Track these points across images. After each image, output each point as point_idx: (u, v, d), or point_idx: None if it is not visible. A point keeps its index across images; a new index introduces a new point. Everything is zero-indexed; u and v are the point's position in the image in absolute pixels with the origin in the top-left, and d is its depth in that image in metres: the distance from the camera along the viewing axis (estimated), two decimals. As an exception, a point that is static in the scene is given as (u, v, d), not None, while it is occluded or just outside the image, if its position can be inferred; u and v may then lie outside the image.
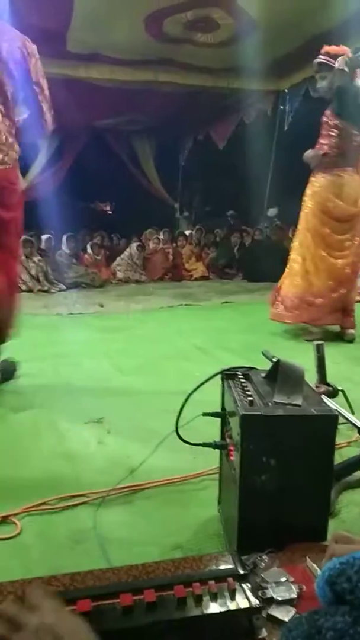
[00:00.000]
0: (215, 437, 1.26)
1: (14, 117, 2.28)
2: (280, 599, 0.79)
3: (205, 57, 6.30)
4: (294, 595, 0.79)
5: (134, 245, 8.01)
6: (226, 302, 5.60)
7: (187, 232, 9.22)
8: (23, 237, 7.61)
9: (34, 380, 2.64)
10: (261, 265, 7.41)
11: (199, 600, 0.78)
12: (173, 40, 5.90)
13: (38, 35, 5.63)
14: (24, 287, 6.91)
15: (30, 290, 6.87)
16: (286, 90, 7.35)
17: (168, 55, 6.24)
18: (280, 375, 1.04)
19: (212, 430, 1.30)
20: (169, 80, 6.77)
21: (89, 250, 7.85)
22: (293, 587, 0.80)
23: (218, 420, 1.27)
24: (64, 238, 7.77)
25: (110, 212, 13.34)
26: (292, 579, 0.83)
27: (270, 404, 0.99)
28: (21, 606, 0.62)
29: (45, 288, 6.93)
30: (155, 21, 5.46)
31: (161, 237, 8.42)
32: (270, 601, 0.79)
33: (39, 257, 7.20)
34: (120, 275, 7.70)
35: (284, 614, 0.76)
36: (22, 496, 1.48)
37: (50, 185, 9.58)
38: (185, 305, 5.36)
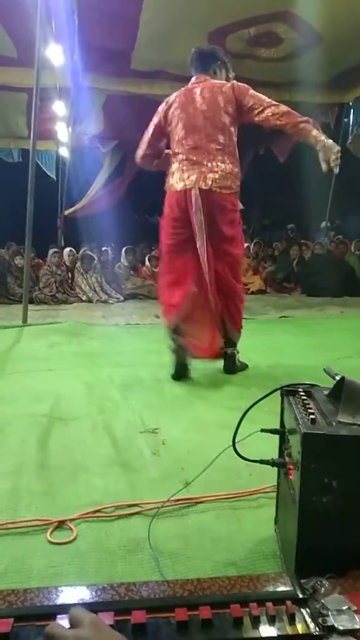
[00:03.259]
0: (273, 454, 1.23)
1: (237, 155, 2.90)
2: (342, 628, 0.75)
3: (268, 71, 6.30)
4: (357, 626, 0.75)
5: (191, 258, 8.06)
6: (284, 317, 5.51)
7: (245, 245, 9.18)
8: (83, 250, 7.91)
9: (93, 389, 2.70)
10: (321, 279, 7.27)
11: (256, 621, 0.76)
12: (235, 56, 5.94)
13: (103, 56, 5.91)
14: (84, 298, 7.13)
15: (89, 301, 7.07)
16: (350, 103, 7.23)
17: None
18: (345, 393, 1.01)
19: (269, 447, 1.27)
20: (230, 95, 6.83)
21: (147, 263, 7.98)
22: (356, 617, 0.76)
23: (276, 437, 1.24)
24: (123, 251, 7.95)
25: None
26: (354, 608, 0.79)
27: (333, 423, 0.96)
28: (65, 625, 0.64)
29: (104, 299, 7.10)
30: (217, 38, 5.53)
31: (218, 250, 8.43)
32: (331, 630, 0.75)
33: (97, 269, 7.43)
34: (176, 287, 7.76)
35: (347, 645, 0.72)
36: (78, 502, 1.51)
37: (111, 199, 9.87)
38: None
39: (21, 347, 3.95)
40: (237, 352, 3.04)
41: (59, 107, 6.85)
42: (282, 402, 1.19)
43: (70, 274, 7.47)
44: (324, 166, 2.63)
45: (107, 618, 0.76)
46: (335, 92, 7.05)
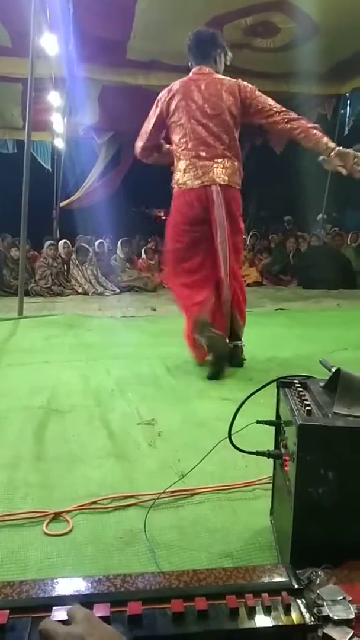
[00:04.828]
0: (269, 446, 1.24)
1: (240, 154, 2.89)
2: (337, 618, 0.75)
3: (264, 62, 6.25)
4: (352, 616, 0.75)
5: (188, 250, 8.05)
6: (280, 309, 5.51)
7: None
8: (78, 243, 7.87)
9: (89, 381, 2.69)
10: (317, 272, 7.26)
11: (251, 612, 0.77)
12: (232, 45, 5.86)
13: (99, 46, 5.85)
14: (79, 290, 7.11)
15: (85, 293, 7.05)
16: (347, 94, 7.19)
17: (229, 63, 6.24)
18: (341, 385, 1.01)
19: (265, 438, 1.27)
20: (227, 86, 6.77)
21: (143, 255, 7.96)
22: (351, 607, 0.77)
23: (272, 428, 1.24)
24: (119, 242, 7.92)
25: (164, 218, 13.49)
26: (349, 598, 0.79)
27: (329, 414, 0.96)
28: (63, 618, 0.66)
29: (100, 291, 7.08)
30: (214, 27, 5.46)
31: (215, 242, 8.40)
32: (326, 620, 0.76)
33: (92, 261, 7.41)
34: (173, 279, 7.75)
35: (341, 635, 0.72)
36: (74, 493, 1.51)
37: (107, 191, 9.80)
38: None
39: (17, 340, 3.94)
40: (244, 344, 3.03)
41: (54, 98, 6.79)
42: (278, 394, 1.19)
43: (65, 266, 7.44)
44: (343, 171, 2.62)
45: (103, 609, 0.76)
46: (332, 83, 7.01)
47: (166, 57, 5.98)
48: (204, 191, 2.76)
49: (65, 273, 7.40)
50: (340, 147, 2.63)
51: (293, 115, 2.74)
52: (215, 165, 2.76)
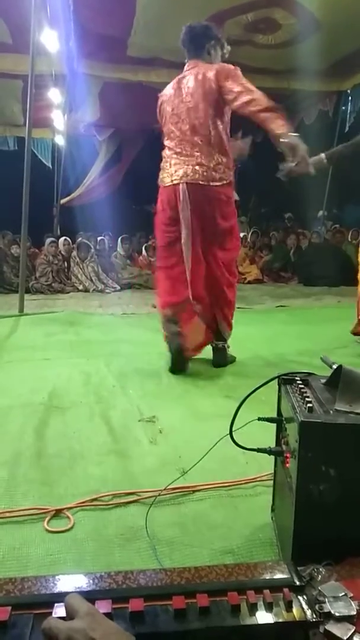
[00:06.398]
0: (270, 443, 1.24)
1: (228, 143, 2.77)
2: (338, 614, 0.75)
3: (265, 58, 6.23)
4: (354, 612, 0.76)
5: (188, 247, 8.04)
6: (281, 306, 5.51)
7: (241, 235, 9.14)
8: (79, 240, 7.85)
9: (90, 377, 2.69)
10: (318, 269, 7.25)
11: (253, 608, 0.77)
12: (232, 42, 5.84)
13: (99, 42, 5.82)
14: (80, 287, 7.11)
15: (86, 290, 7.05)
16: (349, 91, 7.17)
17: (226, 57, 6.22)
18: (342, 382, 1.00)
19: (266, 435, 1.27)
20: (228, 83, 6.75)
21: (144, 252, 7.95)
22: (353, 603, 0.77)
23: (273, 425, 1.24)
24: (119, 240, 7.91)
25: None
26: (351, 595, 0.79)
27: (331, 411, 0.96)
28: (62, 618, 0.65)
29: (100, 288, 7.08)
30: (215, 23, 5.45)
31: (215, 239, 8.39)
32: (328, 616, 0.76)
33: (93, 258, 7.40)
34: (173, 277, 7.74)
35: (343, 632, 0.73)
36: (75, 490, 1.51)
37: (107, 188, 9.78)
38: (238, 308, 5.28)
39: (18, 337, 3.94)
40: (228, 346, 2.99)
41: (54, 95, 6.76)
42: (280, 391, 1.19)
43: (66, 264, 7.44)
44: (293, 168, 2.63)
45: (105, 606, 0.76)
46: (333, 80, 6.98)
47: (167, 54, 5.95)
48: (173, 190, 2.71)
49: (66, 270, 7.39)
50: (291, 138, 2.58)
51: (250, 97, 2.53)
52: (189, 161, 2.67)
